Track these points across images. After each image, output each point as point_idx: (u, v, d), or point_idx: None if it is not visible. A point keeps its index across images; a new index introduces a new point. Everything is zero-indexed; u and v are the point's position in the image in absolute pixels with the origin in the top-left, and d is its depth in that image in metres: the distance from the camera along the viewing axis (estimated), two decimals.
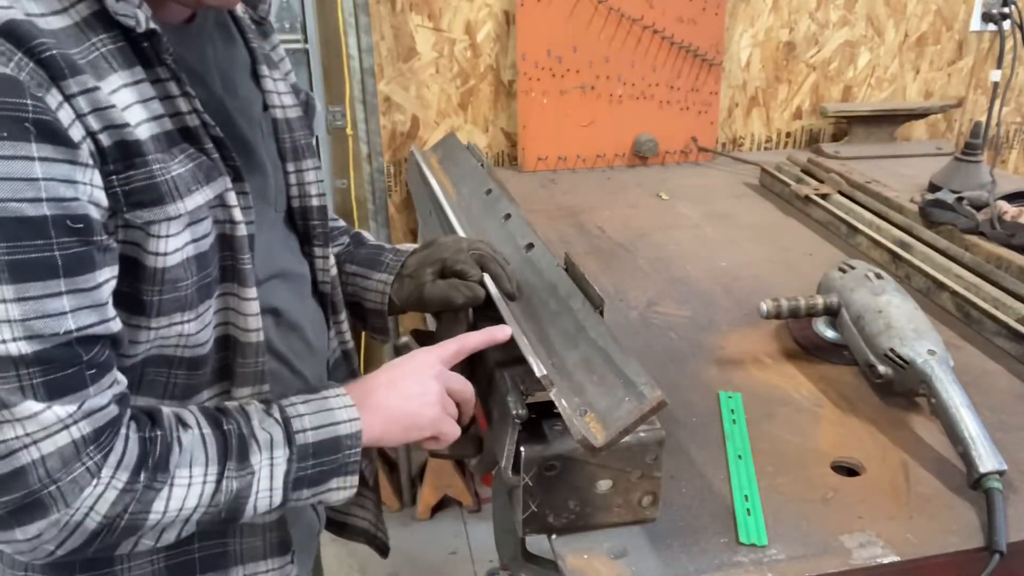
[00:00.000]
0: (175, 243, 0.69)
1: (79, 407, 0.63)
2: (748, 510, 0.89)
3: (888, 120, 2.37)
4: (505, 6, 2.13)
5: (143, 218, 0.66)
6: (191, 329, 0.73)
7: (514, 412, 0.81)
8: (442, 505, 2.44)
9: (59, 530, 0.64)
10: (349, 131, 2.07)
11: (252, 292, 0.77)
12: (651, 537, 0.85)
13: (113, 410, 0.66)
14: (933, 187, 1.87)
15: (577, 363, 0.85)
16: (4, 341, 0.60)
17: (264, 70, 0.88)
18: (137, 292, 0.69)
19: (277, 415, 0.75)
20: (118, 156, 0.65)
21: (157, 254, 0.68)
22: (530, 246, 1.09)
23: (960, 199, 1.53)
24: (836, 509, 0.90)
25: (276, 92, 0.88)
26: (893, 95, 2.51)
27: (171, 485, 0.68)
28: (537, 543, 0.89)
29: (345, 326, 1.01)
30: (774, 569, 0.81)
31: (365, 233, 1.13)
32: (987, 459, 0.90)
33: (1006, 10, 2.22)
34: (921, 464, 0.98)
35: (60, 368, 0.62)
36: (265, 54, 0.90)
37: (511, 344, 0.88)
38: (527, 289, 1.01)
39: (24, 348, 0.60)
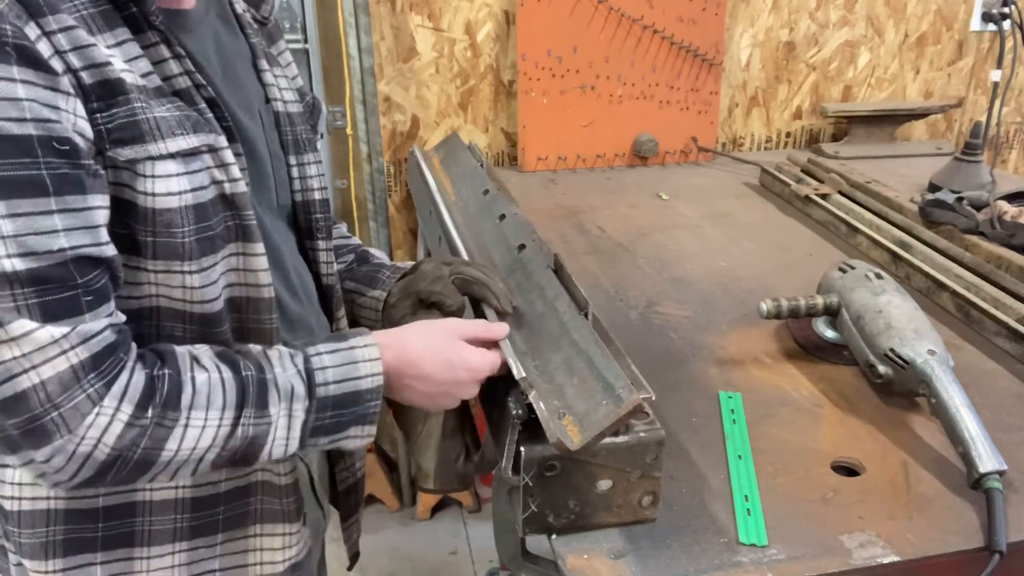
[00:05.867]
0: (164, 186, 0.69)
1: (73, 329, 0.64)
2: (748, 510, 0.89)
3: (888, 120, 2.37)
4: (505, 6, 2.13)
5: (125, 156, 0.67)
6: (194, 282, 0.73)
7: (514, 412, 0.81)
8: (442, 505, 2.44)
9: (67, 459, 0.65)
10: (349, 131, 2.07)
11: (260, 247, 0.78)
12: (651, 537, 0.85)
13: (109, 336, 0.66)
14: (933, 187, 1.87)
15: (559, 365, 0.85)
16: None
17: (264, 64, 0.89)
18: (133, 232, 0.70)
19: (301, 366, 0.75)
20: (101, 94, 0.66)
21: (146, 194, 0.69)
22: (521, 247, 1.09)
23: (960, 199, 1.53)
24: (836, 509, 0.90)
25: (277, 86, 0.90)
26: (893, 95, 2.51)
27: (185, 425, 0.69)
28: (537, 543, 0.89)
29: (344, 323, 1.01)
30: (774, 569, 0.81)
31: (373, 251, 1.13)
32: (987, 459, 0.90)
33: (1006, 10, 2.22)
34: (921, 464, 0.98)
35: (55, 290, 0.63)
36: (266, 51, 0.92)
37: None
38: (516, 291, 1.01)
39: (18, 265, 0.61)
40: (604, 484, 0.82)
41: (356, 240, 1.14)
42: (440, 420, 0.97)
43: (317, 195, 0.93)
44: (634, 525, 0.86)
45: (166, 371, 0.69)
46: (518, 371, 0.81)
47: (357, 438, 0.79)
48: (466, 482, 0.96)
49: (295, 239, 0.93)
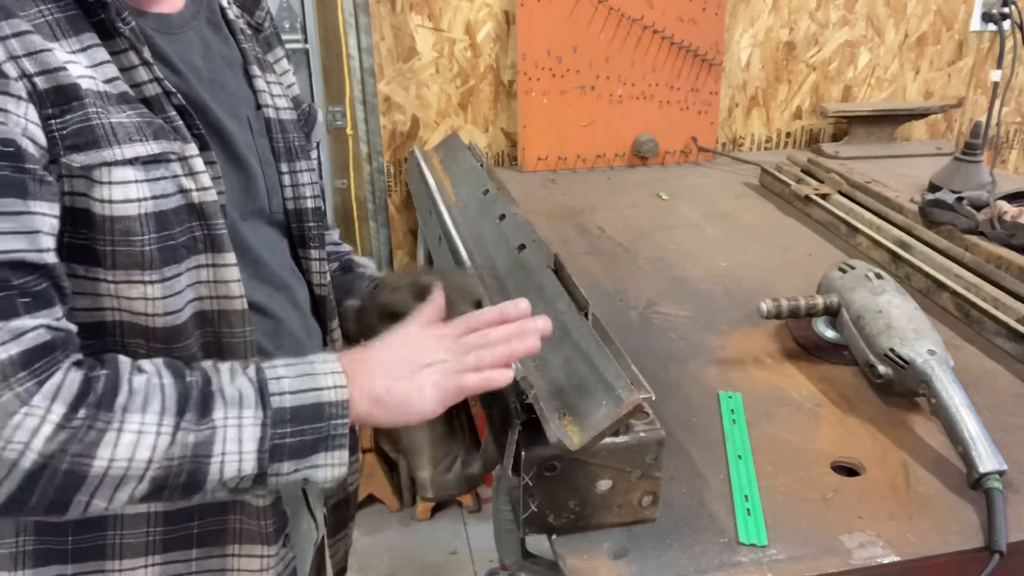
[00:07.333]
0: (121, 192, 0.68)
1: (4, 326, 0.61)
2: (748, 510, 0.89)
3: (888, 120, 2.37)
4: (505, 6, 2.13)
5: (79, 162, 0.66)
6: (156, 292, 0.71)
7: (514, 412, 0.81)
8: (442, 505, 2.44)
9: None
10: (349, 131, 2.07)
11: (231, 258, 0.76)
12: (651, 537, 0.85)
13: (44, 334, 0.63)
14: (933, 187, 1.87)
15: (560, 365, 0.85)
16: None
17: (255, 70, 0.88)
18: (91, 242, 0.68)
19: (252, 375, 0.71)
20: (55, 100, 0.65)
21: (103, 201, 0.67)
22: (521, 247, 1.09)
23: (960, 199, 1.53)
24: (836, 509, 0.90)
25: (268, 93, 0.89)
26: (893, 95, 2.51)
27: (119, 430, 0.64)
28: (537, 543, 0.89)
29: (337, 334, 0.99)
30: (774, 569, 0.81)
31: (358, 259, 1.11)
32: (987, 459, 0.90)
33: (1006, 10, 2.22)
34: (921, 464, 0.98)
35: None
36: (259, 57, 0.91)
37: None
38: (516, 291, 1.01)
39: None
40: (604, 484, 0.82)
41: (346, 247, 1.13)
42: (431, 427, 0.95)
43: (310, 203, 0.91)
44: (634, 525, 0.86)
45: (103, 372, 0.66)
46: (518, 371, 0.81)
47: (326, 467, 0.71)
48: (464, 487, 0.95)
49: (288, 248, 0.92)
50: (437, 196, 1.45)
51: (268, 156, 0.88)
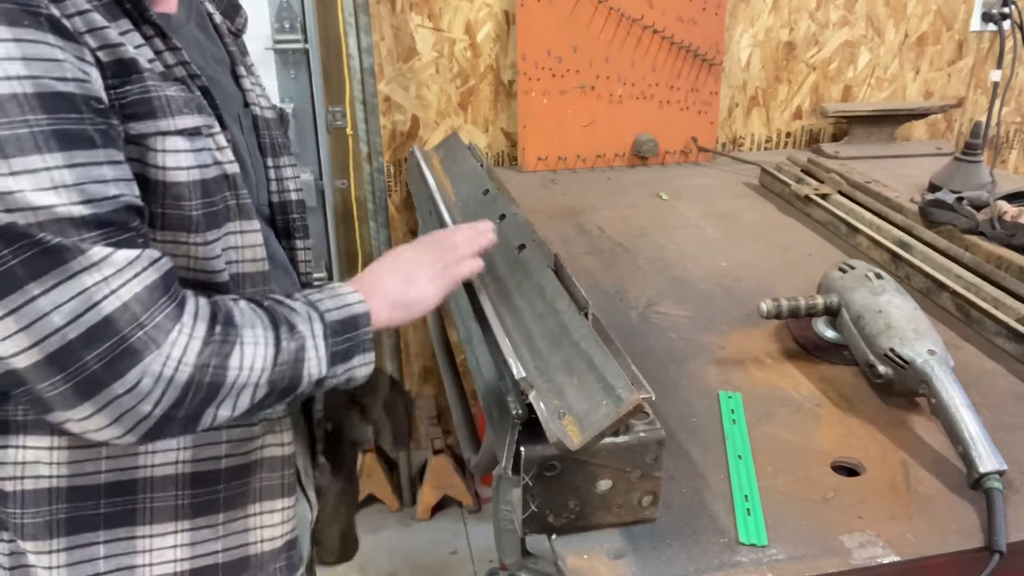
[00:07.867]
0: (174, 160, 0.73)
1: (142, 251, 0.67)
2: (748, 510, 0.89)
3: (888, 120, 2.37)
4: (505, 6, 2.13)
5: (136, 130, 0.71)
6: (199, 253, 0.77)
7: (514, 412, 0.81)
8: (442, 505, 2.44)
9: (154, 381, 0.67)
10: (349, 131, 2.07)
11: (256, 224, 0.84)
12: (651, 537, 0.85)
13: (168, 262, 0.70)
14: (933, 187, 1.87)
15: (559, 365, 0.86)
16: (63, 205, 0.63)
17: (241, 71, 0.95)
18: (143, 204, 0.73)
19: (301, 298, 0.81)
20: (116, 71, 0.70)
21: (157, 167, 0.73)
22: (521, 247, 1.09)
23: (960, 199, 1.53)
24: (836, 509, 0.90)
25: (253, 92, 0.95)
26: (893, 95, 2.51)
27: (242, 343, 0.72)
28: (537, 543, 0.89)
29: None
30: (774, 569, 0.81)
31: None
32: (987, 459, 0.90)
33: (1006, 10, 2.23)
34: (921, 464, 0.98)
35: (117, 232, 0.66)
36: (242, 60, 0.97)
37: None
38: (516, 291, 1.02)
39: (83, 211, 0.64)
40: (604, 484, 0.82)
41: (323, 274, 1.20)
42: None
43: (293, 196, 0.98)
44: (634, 525, 0.86)
45: (215, 297, 0.74)
46: (518, 371, 0.81)
47: (362, 367, 0.83)
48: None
49: (275, 239, 0.97)
50: (437, 196, 1.45)
51: (256, 152, 0.94)
